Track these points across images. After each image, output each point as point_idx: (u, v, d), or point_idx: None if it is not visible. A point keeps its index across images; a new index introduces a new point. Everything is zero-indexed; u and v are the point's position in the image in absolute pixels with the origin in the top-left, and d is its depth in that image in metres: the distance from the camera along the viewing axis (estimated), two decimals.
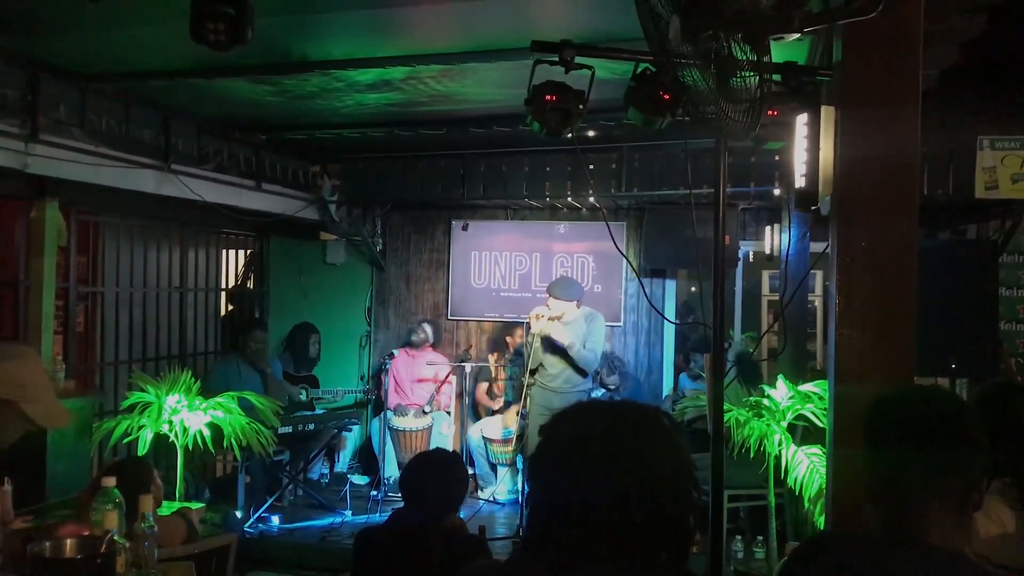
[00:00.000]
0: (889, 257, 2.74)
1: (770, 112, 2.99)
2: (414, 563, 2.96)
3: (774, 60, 2.72)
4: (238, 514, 5.96)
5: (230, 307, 8.43)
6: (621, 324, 7.61)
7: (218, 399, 5.70)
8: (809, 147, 2.95)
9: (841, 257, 2.75)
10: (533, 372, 6.38)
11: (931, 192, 5.61)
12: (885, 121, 2.73)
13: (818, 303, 7.96)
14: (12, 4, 3.97)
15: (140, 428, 5.46)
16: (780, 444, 5.04)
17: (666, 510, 1.33)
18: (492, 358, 7.73)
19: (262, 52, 4.44)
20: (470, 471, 7.06)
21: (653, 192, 6.85)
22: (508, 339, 7.74)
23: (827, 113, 2.85)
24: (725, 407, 3.82)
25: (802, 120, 3.03)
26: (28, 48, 4.67)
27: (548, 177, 7.14)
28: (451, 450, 7.23)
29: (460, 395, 7.54)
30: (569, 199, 7.29)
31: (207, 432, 5.53)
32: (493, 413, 7.51)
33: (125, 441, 5.50)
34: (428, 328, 7.79)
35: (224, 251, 8.26)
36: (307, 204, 7.58)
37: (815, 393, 5.03)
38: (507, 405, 7.44)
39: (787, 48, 3.72)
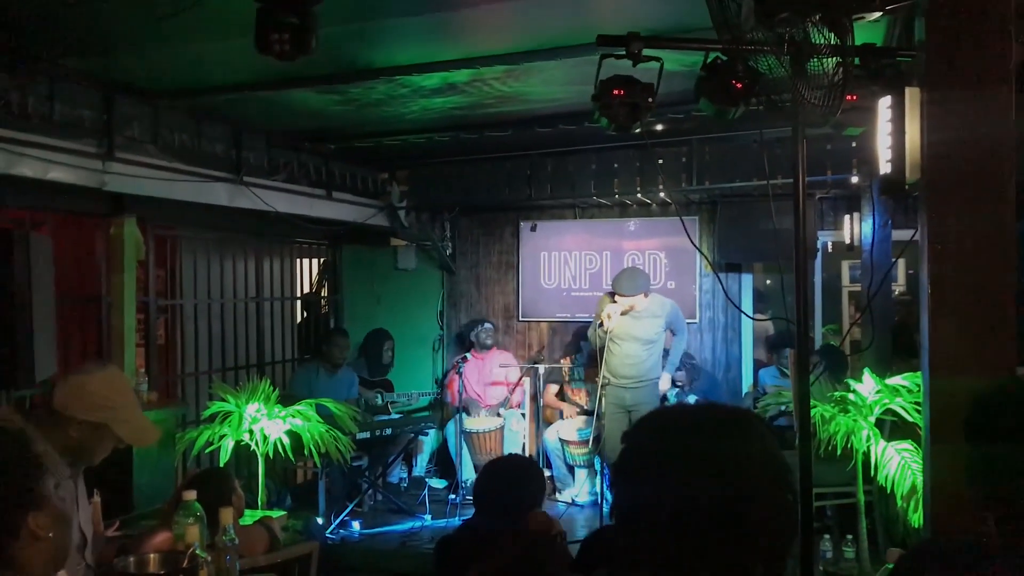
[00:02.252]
0: (984, 243, 2.59)
1: (849, 97, 2.87)
2: (492, 570, 2.92)
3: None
4: (319, 521, 6.01)
5: (305, 315, 8.54)
6: (697, 321, 7.46)
7: (297, 407, 5.76)
8: (893, 131, 2.81)
9: (932, 245, 2.61)
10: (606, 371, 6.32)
11: None
12: (975, 101, 2.58)
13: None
14: (85, 27, 4.06)
15: (221, 437, 5.55)
16: (868, 440, 4.87)
17: (760, 519, 1.25)
18: (565, 362, 7.65)
19: (328, 61, 4.46)
20: (547, 473, 7.01)
21: (725, 184, 6.70)
22: (582, 343, 7.66)
23: (912, 95, 2.71)
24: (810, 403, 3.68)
25: (885, 103, 2.90)
26: (101, 69, 4.77)
27: (616, 174, 7.05)
28: (524, 454, 7.20)
29: (534, 397, 7.49)
30: (638, 195, 7.18)
31: (287, 440, 5.59)
32: (563, 417, 7.44)
33: (207, 450, 5.60)
34: (492, 328, 7.78)
35: (298, 260, 8.37)
36: (377, 211, 7.63)
37: (904, 387, 4.84)
38: (582, 409, 7.37)
39: (864, 30, 3.58)
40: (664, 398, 6.67)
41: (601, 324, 6.26)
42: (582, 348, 7.56)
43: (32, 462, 1.49)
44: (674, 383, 6.96)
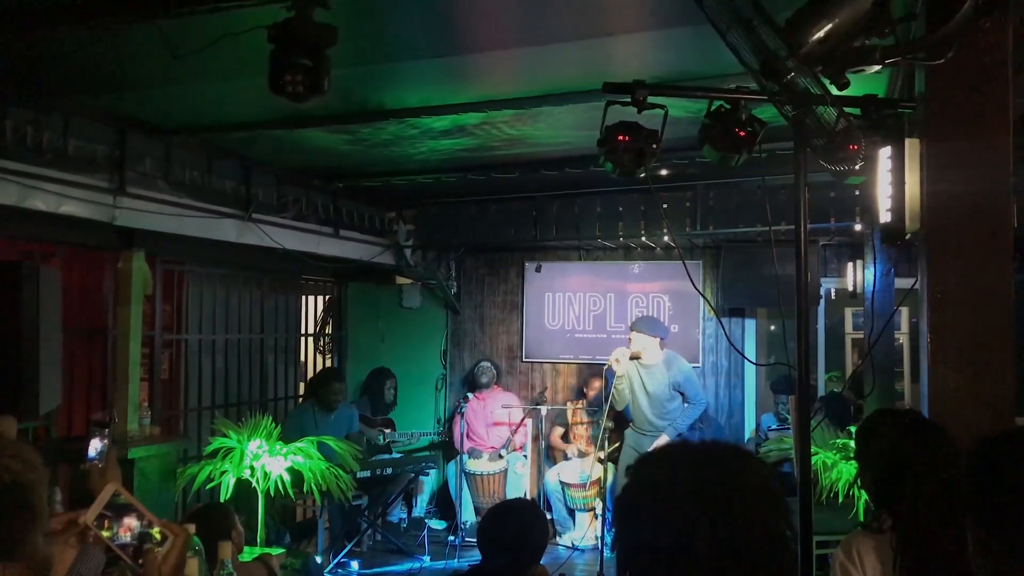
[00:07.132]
0: (983, 292, 2.62)
1: (851, 147, 2.92)
2: None
3: (853, 93, 2.66)
4: (318, 559, 5.97)
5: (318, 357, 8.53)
6: (700, 365, 7.47)
7: (298, 444, 5.75)
8: (893, 181, 2.85)
9: (932, 293, 2.64)
10: (616, 416, 6.32)
11: (1023, 224, 5.38)
12: (974, 153, 2.63)
13: (904, 341, 7.71)
14: (100, 65, 4.13)
15: (223, 473, 5.53)
16: None
17: (760, 552, 1.26)
18: (570, 406, 7.63)
19: (339, 102, 4.53)
20: (547, 516, 6.97)
21: (729, 230, 6.75)
22: (585, 390, 7.65)
23: (911, 146, 2.76)
24: (812, 450, 3.69)
25: (885, 153, 2.94)
26: (115, 105, 4.85)
27: (621, 217, 7.10)
28: (528, 498, 7.16)
29: (536, 438, 7.47)
30: (643, 239, 7.23)
31: (287, 477, 5.58)
32: (568, 458, 7.41)
33: (208, 486, 5.58)
34: (492, 367, 7.79)
35: (304, 297, 8.40)
36: (383, 249, 7.68)
37: None
38: (582, 454, 7.33)
39: (866, 80, 3.63)
40: None
41: (610, 369, 6.28)
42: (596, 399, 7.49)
43: (20, 504, 1.39)
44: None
